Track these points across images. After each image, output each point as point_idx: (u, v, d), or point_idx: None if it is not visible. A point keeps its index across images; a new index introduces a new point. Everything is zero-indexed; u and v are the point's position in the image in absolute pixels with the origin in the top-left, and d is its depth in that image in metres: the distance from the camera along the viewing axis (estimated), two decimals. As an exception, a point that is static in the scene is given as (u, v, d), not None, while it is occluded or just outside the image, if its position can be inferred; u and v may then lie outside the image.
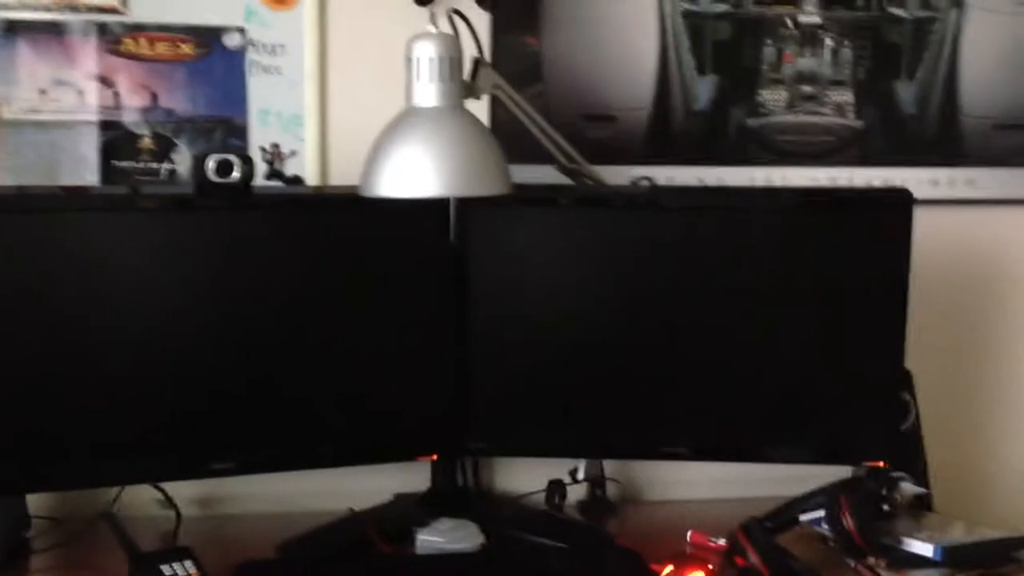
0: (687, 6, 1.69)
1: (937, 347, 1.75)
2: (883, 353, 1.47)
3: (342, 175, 1.61)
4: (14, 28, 1.54)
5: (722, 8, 1.70)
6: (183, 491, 1.55)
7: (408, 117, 1.32)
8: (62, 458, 1.38)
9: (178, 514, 1.53)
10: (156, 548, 1.37)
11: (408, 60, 1.32)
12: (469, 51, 1.43)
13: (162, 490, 1.52)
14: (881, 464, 1.46)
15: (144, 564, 1.29)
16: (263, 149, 1.62)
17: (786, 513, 1.36)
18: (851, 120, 1.76)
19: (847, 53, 1.75)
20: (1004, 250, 1.81)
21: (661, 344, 1.49)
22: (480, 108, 1.53)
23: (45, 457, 1.37)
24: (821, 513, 1.34)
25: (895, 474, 1.46)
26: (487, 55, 1.54)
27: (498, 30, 1.64)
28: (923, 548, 1.32)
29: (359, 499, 1.53)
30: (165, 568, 1.27)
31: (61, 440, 1.37)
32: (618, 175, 1.66)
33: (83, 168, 1.57)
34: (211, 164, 1.40)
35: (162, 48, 1.59)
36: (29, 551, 1.45)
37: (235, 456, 1.44)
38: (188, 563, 1.29)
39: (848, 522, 1.29)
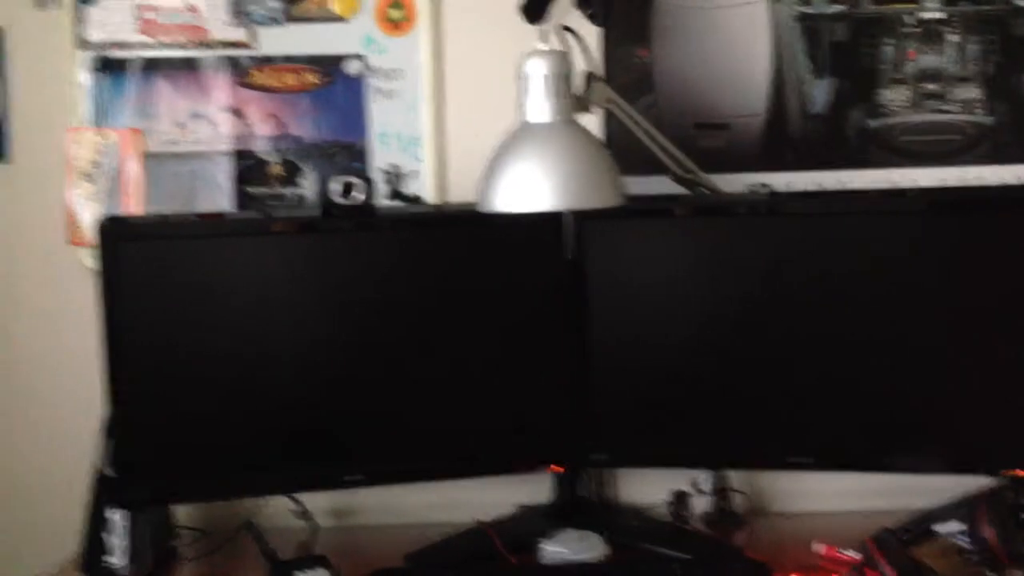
0: (801, 9, 1.67)
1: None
2: (1021, 357, 1.41)
3: (460, 193, 1.65)
4: (153, 66, 1.64)
5: (838, 9, 1.67)
6: (319, 503, 1.61)
7: (521, 133, 1.35)
8: (206, 471, 1.45)
9: (314, 525, 1.59)
10: (293, 556, 1.43)
11: (520, 78, 1.35)
12: (581, 65, 1.45)
13: (299, 501, 1.58)
14: (1021, 473, 1.39)
15: (281, 572, 1.35)
16: (383, 171, 1.67)
17: (920, 524, 1.31)
18: (980, 116, 1.69)
19: (973, 48, 1.69)
20: None
21: (784, 353, 1.47)
22: (593, 121, 1.54)
23: (190, 470, 1.45)
24: (958, 525, 1.29)
25: (1038, 484, 1.40)
26: (598, 68, 1.55)
27: (609, 43, 1.66)
28: (1069, 560, 1.26)
29: (484, 511, 1.56)
30: (301, 575, 1.33)
31: (205, 454, 1.44)
32: (734, 183, 1.65)
33: (219, 195, 1.66)
34: (334, 186, 1.46)
35: (288, 79, 1.66)
36: (175, 560, 1.53)
37: (365, 468, 1.49)
38: (322, 571, 1.34)
39: (987, 532, 1.24)
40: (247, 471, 1.46)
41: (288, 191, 1.67)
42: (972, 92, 1.69)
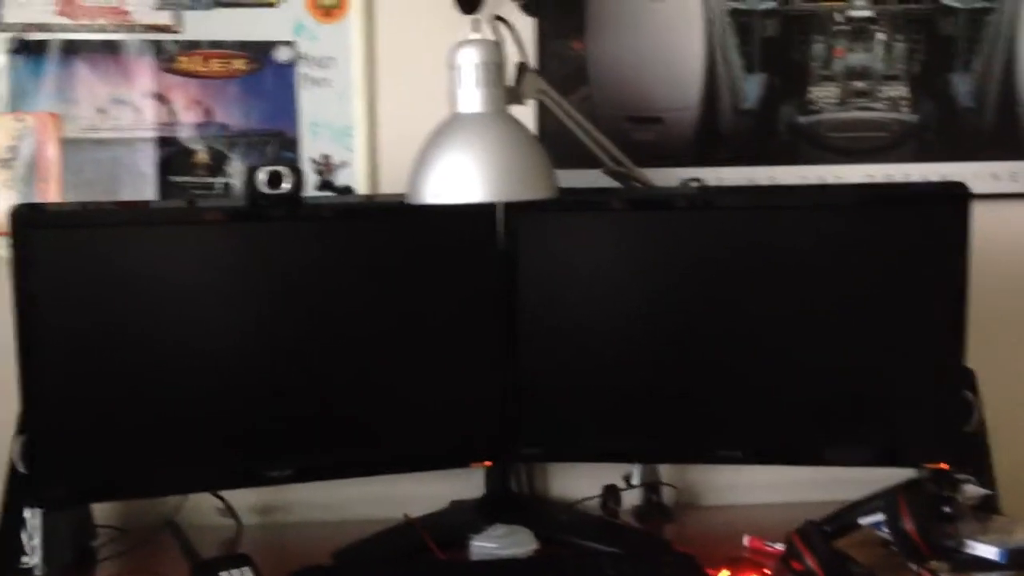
0: (734, 4, 1.68)
1: (1000, 344, 1.70)
2: (943, 352, 1.44)
3: (392, 184, 1.62)
4: (73, 49, 1.59)
5: (769, 5, 1.68)
6: (244, 500, 1.58)
7: (453, 124, 1.33)
8: (126, 468, 1.41)
9: (238, 522, 1.56)
10: (216, 555, 1.39)
11: (452, 67, 1.33)
12: (514, 56, 1.44)
13: (223, 499, 1.55)
14: (943, 466, 1.42)
15: (203, 571, 1.32)
16: (314, 161, 1.64)
17: (844, 517, 1.33)
18: (906, 115, 1.72)
19: (900, 47, 1.71)
20: (1069, 244, 1.75)
21: (715, 347, 1.48)
22: (526, 114, 1.53)
23: (109, 467, 1.40)
24: (881, 517, 1.31)
25: (959, 476, 1.43)
26: (532, 60, 1.54)
27: (543, 35, 1.65)
28: (987, 551, 1.29)
29: (414, 506, 1.54)
30: (224, 574, 1.30)
31: (124, 451, 1.40)
32: (666, 177, 1.65)
33: (141, 184, 1.61)
34: (261, 176, 1.43)
35: (215, 65, 1.62)
36: (94, 560, 1.48)
37: (292, 464, 1.46)
38: (246, 570, 1.31)
39: (908, 524, 1.26)
40: (169, 467, 1.42)
41: (214, 180, 1.63)
42: (899, 90, 1.72)
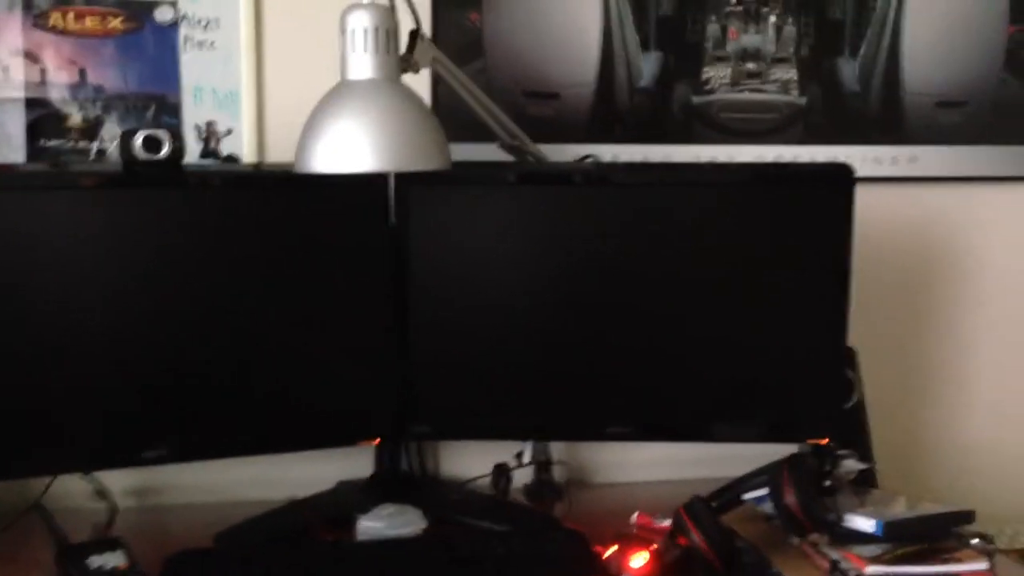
0: (630, -19, 1.67)
1: (881, 324, 1.76)
2: (827, 330, 1.47)
3: (280, 153, 1.57)
4: (-66, 1, 1.48)
5: (666, -17, 1.69)
6: (119, 481, 1.51)
7: (343, 90, 1.29)
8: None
9: (112, 505, 1.49)
10: (86, 540, 1.33)
11: (343, 31, 1.29)
12: (408, 24, 1.40)
13: (95, 480, 1.48)
14: (824, 441, 1.46)
15: (71, 556, 1.25)
16: (197, 127, 1.57)
17: (730, 492, 1.35)
18: (795, 97, 1.75)
19: (790, 30, 1.74)
20: (946, 227, 1.82)
21: (606, 324, 1.48)
22: (420, 85, 1.49)
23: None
24: (765, 491, 1.33)
25: (839, 451, 1.46)
26: (427, 31, 1.50)
27: (438, 4, 1.61)
28: (865, 524, 1.32)
29: (301, 487, 1.50)
30: (94, 559, 1.23)
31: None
32: (562, 153, 1.64)
33: (8, 147, 1.51)
34: (138, 141, 1.35)
35: (90, 23, 1.53)
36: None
37: (170, 443, 1.39)
38: (118, 554, 1.25)
39: (790, 499, 1.28)
40: (36, 447, 1.34)
41: (88, 145, 1.55)
42: (788, 73, 1.75)
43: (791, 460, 1.32)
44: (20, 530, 1.41)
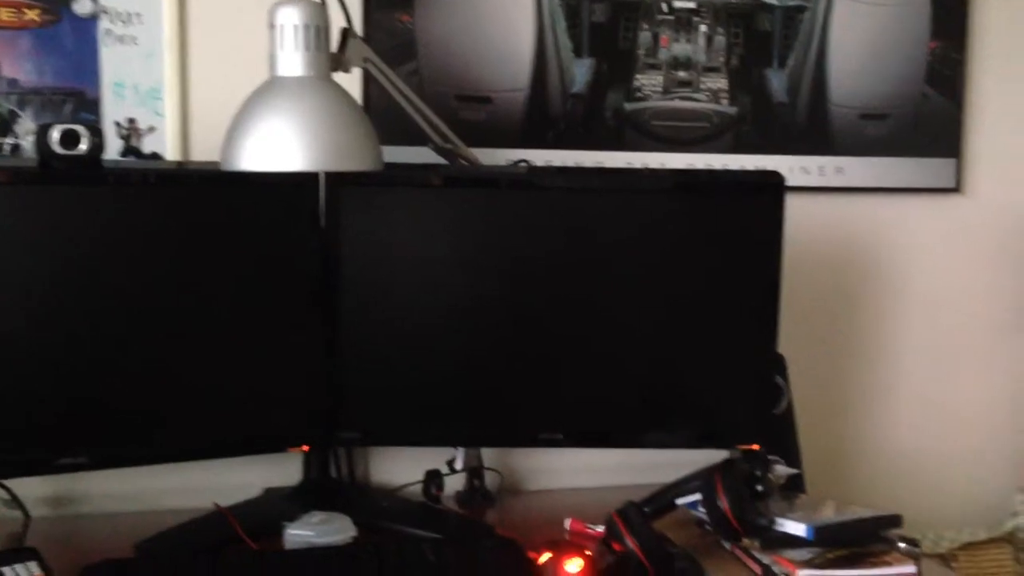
0: (564, -13, 1.67)
1: (808, 331, 1.78)
2: (756, 337, 1.48)
3: (205, 152, 1.52)
4: None
5: (599, -11, 1.69)
6: (33, 490, 1.45)
7: (272, 87, 1.26)
8: None
9: (26, 514, 1.42)
10: (-2, 550, 1.27)
11: (272, 27, 1.26)
12: (338, 24, 1.38)
13: (7, 488, 1.41)
14: (754, 447, 1.46)
15: (-19, 568, 1.19)
16: (118, 124, 1.52)
17: (662, 498, 1.34)
18: (725, 107, 1.77)
19: (720, 40, 1.76)
20: (872, 237, 1.85)
21: (536, 329, 1.46)
22: (352, 85, 1.47)
23: None
24: (697, 497, 1.33)
25: (769, 456, 1.47)
26: (358, 31, 1.48)
27: (369, 4, 1.59)
28: (796, 528, 1.33)
29: (227, 495, 1.45)
30: (7, 570, 1.17)
31: None
32: (494, 158, 1.63)
33: (-87, 141, 1.45)
34: (55, 135, 1.30)
35: (5, 14, 1.48)
36: None
37: (87, 451, 1.34)
38: (32, 564, 1.19)
39: (723, 503, 1.29)
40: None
41: (2, 140, 1.49)
42: (719, 82, 1.77)
43: (723, 465, 1.33)
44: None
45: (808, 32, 1.78)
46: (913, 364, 1.89)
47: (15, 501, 1.42)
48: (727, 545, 1.36)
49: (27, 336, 1.29)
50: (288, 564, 1.28)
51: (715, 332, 1.48)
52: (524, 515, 1.55)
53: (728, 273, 1.47)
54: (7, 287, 1.28)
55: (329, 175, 1.39)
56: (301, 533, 1.32)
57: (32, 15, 1.48)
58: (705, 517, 1.34)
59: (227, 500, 1.44)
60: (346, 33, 1.39)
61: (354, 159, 1.27)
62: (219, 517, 1.40)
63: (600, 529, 1.33)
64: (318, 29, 1.26)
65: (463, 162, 1.52)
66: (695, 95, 1.76)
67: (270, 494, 1.51)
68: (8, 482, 1.41)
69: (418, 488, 1.56)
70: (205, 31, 1.53)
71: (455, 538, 1.40)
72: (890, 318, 1.88)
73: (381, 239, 1.43)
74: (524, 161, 1.63)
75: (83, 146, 1.31)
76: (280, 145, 1.22)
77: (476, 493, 1.58)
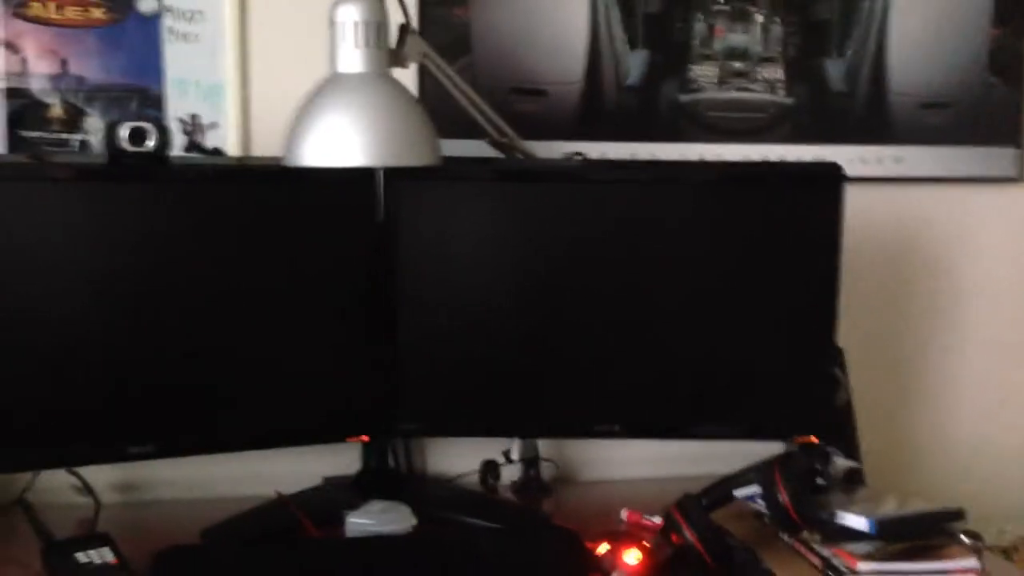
0: (618, -22, 1.67)
1: (868, 323, 1.76)
2: (814, 329, 1.47)
3: (265, 147, 1.55)
4: (-88, -10, 1.45)
5: (653, -20, 1.69)
6: (102, 477, 1.49)
7: (332, 84, 1.27)
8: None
9: (96, 500, 1.46)
10: (72, 535, 1.30)
11: (332, 24, 1.27)
12: (395, 20, 1.39)
13: (79, 475, 1.45)
14: (813, 439, 1.46)
15: (57, 552, 1.23)
16: (181, 120, 1.55)
17: (720, 489, 1.34)
18: (781, 97, 1.76)
19: (777, 29, 1.74)
20: (932, 227, 1.83)
21: (594, 321, 1.47)
22: (408, 80, 1.48)
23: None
24: (755, 489, 1.33)
25: (827, 449, 1.46)
26: (412, 22, 1.49)
27: (425, 0, 1.60)
28: (857, 521, 1.32)
29: (287, 483, 1.48)
30: (81, 556, 1.21)
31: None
32: (549, 151, 1.63)
33: (-13, 138, 1.49)
34: (124, 132, 1.33)
35: (72, 13, 1.51)
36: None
37: (155, 439, 1.37)
38: (105, 550, 1.22)
39: (783, 497, 1.28)
40: (19, 442, 1.32)
41: (70, 136, 1.52)
42: (775, 72, 1.75)
43: (783, 458, 1.32)
44: (3, 525, 1.38)
45: (867, 20, 1.76)
46: (975, 355, 1.86)
47: (86, 488, 1.46)
48: (786, 538, 1.36)
49: (98, 327, 1.33)
50: (351, 552, 1.31)
51: (772, 324, 1.47)
52: (579, 506, 1.55)
53: (786, 265, 1.46)
54: (77, 281, 1.32)
55: (388, 170, 1.40)
56: (362, 522, 1.35)
57: (98, 14, 1.52)
58: (764, 509, 1.34)
59: (287, 488, 1.47)
60: (404, 29, 1.41)
61: (412, 154, 1.28)
62: (281, 505, 1.43)
63: (657, 520, 1.33)
64: (377, 25, 1.28)
65: (519, 155, 1.53)
66: (751, 86, 1.75)
67: (330, 483, 1.54)
68: (79, 469, 1.45)
69: (474, 478, 1.58)
70: (266, 28, 1.55)
71: (513, 528, 1.42)
72: (951, 309, 1.85)
73: (439, 232, 1.45)
74: (579, 154, 1.63)
75: (150, 142, 1.34)
76: (341, 141, 1.24)
77: (532, 483, 1.59)
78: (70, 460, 1.40)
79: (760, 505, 1.35)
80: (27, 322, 1.30)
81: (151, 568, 1.23)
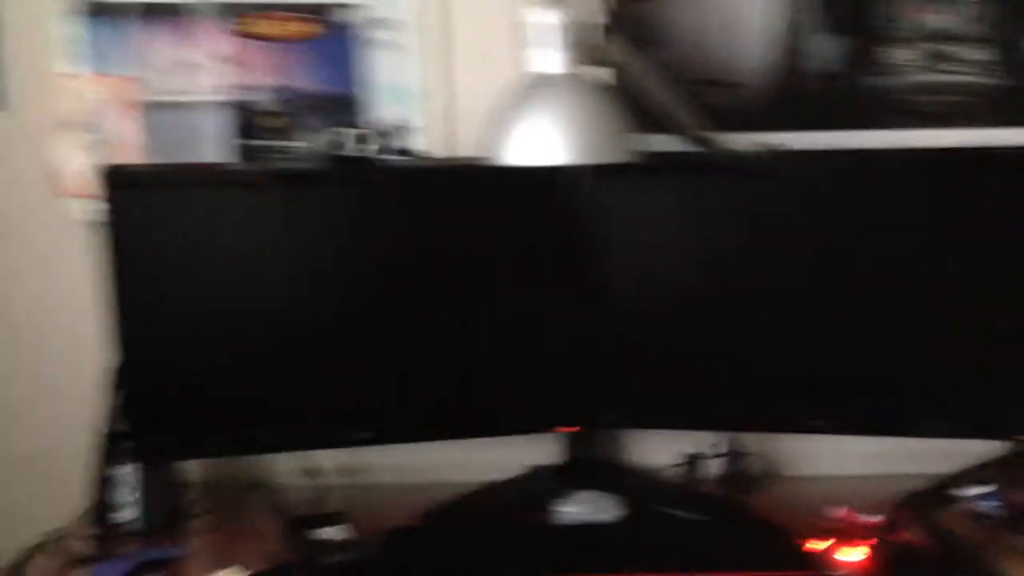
0: (813, -36, 1.64)
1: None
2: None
3: (469, 149, 1.60)
4: (149, 12, 1.58)
5: (850, -35, 1.64)
6: (326, 460, 1.58)
7: (530, 85, 1.31)
8: (215, 428, 1.42)
9: (325, 483, 1.55)
10: (305, 513, 1.40)
11: (529, 27, 1.31)
12: (582, 15, 1.41)
13: (309, 458, 1.55)
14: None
15: (299, 528, 1.32)
16: (386, 125, 1.62)
17: (942, 489, 1.30)
18: (992, 79, 1.68)
19: (986, 8, 1.67)
20: None
21: (801, 314, 1.45)
22: (604, 75, 1.50)
23: (199, 427, 1.42)
24: (980, 489, 1.28)
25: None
26: (606, 20, 1.51)
27: (617, -5, 1.61)
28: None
29: (492, 471, 1.54)
30: (319, 532, 1.29)
31: (213, 411, 1.41)
32: (743, 141, 1.62)
33: (214, 147, 1.60)
34: (337, 139, 1.41)
35: (288, 27, 1.60)
36: (185, 516, 1.49)
37: (373, 426, 1.46)
38: (342, 527, 1.31)
39: (1020, 497, 1.23)
40: (255, 428, 1.43)
41: (288, 144, 1.62)
42: (984, 53, 1.68)
43: (1016, 457, 1.27)
44: (243, 504, 1.49)
45: (1087, -5, 1.66)
46: None
47: (315, 470, 1.55)
48: (1019, 540, 1.30)
49: (325, 321, 1.43)
50: (564, 538, 1.35)
51: (996, 319, 1.41)
52: (785, 501, 1.53)
53: (1008, 254, 1.41)
54: (303, 280, 1.42)
55: (588, 166, 1.43)
56: (572, 510, 1.38)
57: (311, 27, 1.60)
58: (989, 510, 1.29)
59: (491, 476, 1.53)
60: (604, 29, 1.43)
61: (611, 150, 1.30)
62: (495, 491, 1.48)
63: (872, 518, 1.30)
64: (573, 26, 1.31)
65: (716, 148, 1.53)
66: (957, 67, 1.68)
67: (536, 472, 1.58)
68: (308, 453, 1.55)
69: (674, 470, 1.59)
70: (468, 35, 1.60)
71: (720, 521, 1.42)
72: None
73: (643, 226, 1.47)
74: (781, 144, 1.60)
75: (369, 147, 1.42)
76: (539, 140, 1.28)
77: (737, 477, 1.58)
78: (303, 444, 1.50)
79: (985, 506, 1.30)
80: (260, 317, 1.41)
81: (384, 545, 1.30)
